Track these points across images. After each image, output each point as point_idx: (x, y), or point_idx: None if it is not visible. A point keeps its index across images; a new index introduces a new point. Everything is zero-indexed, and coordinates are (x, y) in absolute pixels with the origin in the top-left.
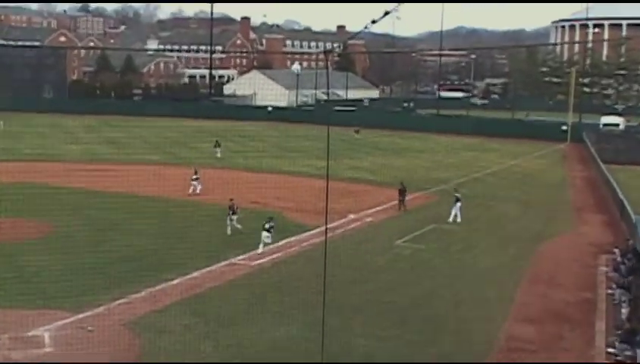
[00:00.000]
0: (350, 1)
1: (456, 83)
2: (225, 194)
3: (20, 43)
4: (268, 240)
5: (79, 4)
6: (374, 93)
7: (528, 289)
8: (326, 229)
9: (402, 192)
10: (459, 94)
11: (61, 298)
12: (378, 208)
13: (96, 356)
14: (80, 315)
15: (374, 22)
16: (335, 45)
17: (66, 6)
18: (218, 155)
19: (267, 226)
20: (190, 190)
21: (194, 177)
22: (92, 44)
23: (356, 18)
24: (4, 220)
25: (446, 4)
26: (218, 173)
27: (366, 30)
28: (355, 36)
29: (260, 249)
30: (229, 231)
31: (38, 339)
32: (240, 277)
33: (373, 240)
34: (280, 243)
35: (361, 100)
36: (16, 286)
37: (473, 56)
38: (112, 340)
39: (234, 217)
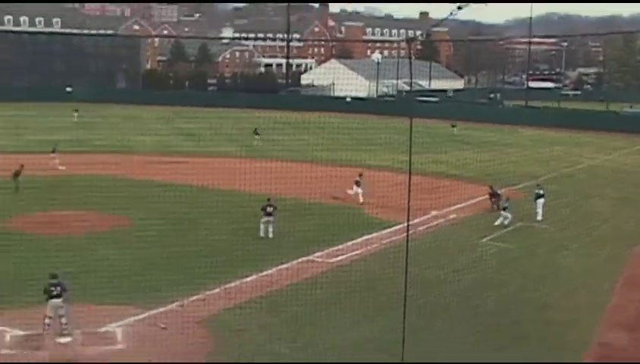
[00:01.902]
0: None
1: (545, 72)
2: (303, 190)
3: (94, 32)
4: (507, 221)
5: None
6: (459, 83)
7: (622, 293)
8: (408, 226)
9: (493, 196)
10: (549, 84)
11: (134, 293)
12: (461, 205)
13: (169, 355)
14: (153, 311)
15: (459, 8)
16: (418, 32)
17: None
18: (255, 143)
19: (506, 204)
20: (351, 191)
21: (357, 179)
22: (166, 32)
23: (439, 5)
24: (77, 213)
25: None
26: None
27: (451, 17)
28: (439, 23)
29: (503, 222)
30: (262, 233)
31: (110, 335)
32: (318, 274)
33: (457, 237)
34: (359, 240)
35: (444, 90)
36: (88, 280)
37: (565, 44)
38: (185, 338)
39: (266, 219)
